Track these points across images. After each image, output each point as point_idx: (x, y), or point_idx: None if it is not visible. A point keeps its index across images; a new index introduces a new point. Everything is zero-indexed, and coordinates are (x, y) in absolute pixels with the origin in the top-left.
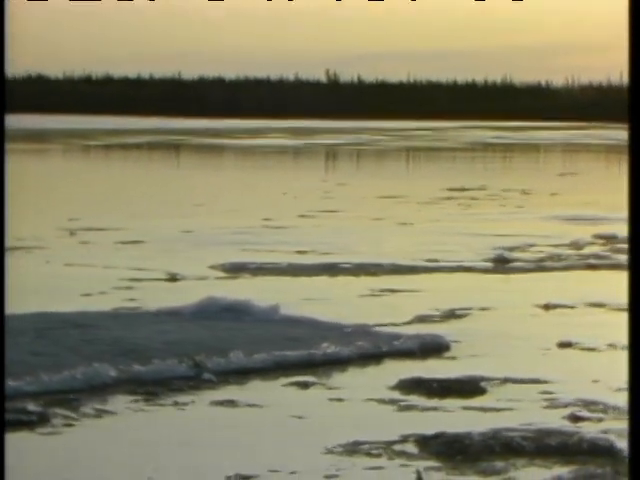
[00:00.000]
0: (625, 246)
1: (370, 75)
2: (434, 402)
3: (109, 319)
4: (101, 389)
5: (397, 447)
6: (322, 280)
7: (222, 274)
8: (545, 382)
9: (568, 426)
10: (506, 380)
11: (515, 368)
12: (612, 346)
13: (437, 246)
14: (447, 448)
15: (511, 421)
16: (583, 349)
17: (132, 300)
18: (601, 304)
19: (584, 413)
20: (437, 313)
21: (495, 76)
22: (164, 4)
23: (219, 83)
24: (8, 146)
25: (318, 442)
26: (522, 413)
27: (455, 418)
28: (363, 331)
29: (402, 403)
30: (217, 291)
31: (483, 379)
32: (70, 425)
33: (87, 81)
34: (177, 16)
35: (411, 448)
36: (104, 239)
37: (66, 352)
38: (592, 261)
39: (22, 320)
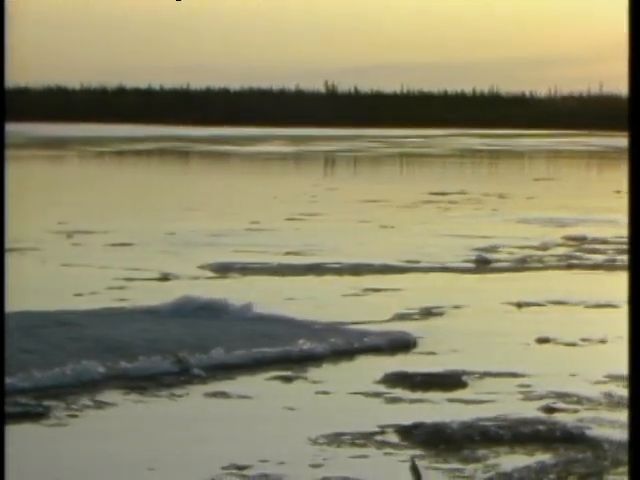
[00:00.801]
0: (593, 246)
1: (366, 86)
2: (418, 395)
3: (91, 317)
4: (92, 385)
5: (381, 437)
6: (308, 280)
7: (211, 274)
8: (523, 376)
9: (544, 417)
10: (485, 374)
11: (495, 363)
12: (586, 340)
13: (415, 247)
14: (430, 437)
15: (491, 412)
16: (561, 344)
17: (122, 300)
18: (570, 302)
19: (560, 404)
20: (416, 311)
21: (483, 87)
22: (173, 20)
23: (224, 93)
24: (26, 152)
25: (313, 431)
26: (501, 405)
27: (437, 410)
28: (333, 329)
29: (387, 396)
30: (206, 290)
31: (464, 373)
32: (74, 416)
33: (102, 92)
34: (185, 31)
35: (395, 438)
36: (100, 241)
37: (53, 349)
38: (561, 261)
39: (8, 319)
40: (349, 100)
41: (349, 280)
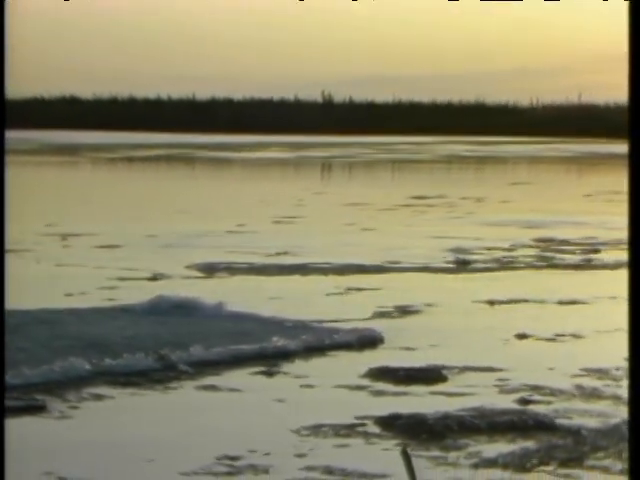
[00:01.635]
0: (560, 247)
1: (360, 96)
2: (400, 388)
3: (70, 315)
4: (82, 381)
5: (364, 428)
6: (291, 279)
7: (198, 274)
8: (500, 370)
9: (522, 408)
10: (465, 368)
11: (475, 357)
12: (560, 336)
13: (393, 249)
14: (411, 427)
15: (471, 403)
16: (536, 339)
17: (111, 300)
18: (539, 299)
19: (535, 396)
20: (395, 309)
21: (469, 97)
22: (181, 34)
23: (228, 103)
24: (41, 158)
25: (305, 420)
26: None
27: (419, 402)
28: (304, 326)
29: (371, 389)
30: (193, 289)
31: (444, 367)
32: (75, 408)
33: (113, 101)
34: (191, 45)
35: (377, 428)
36: (88, 243)
37: (38, 347)
38: (530, 261)
39: None
40: (344, 109)
41: (333, 280)
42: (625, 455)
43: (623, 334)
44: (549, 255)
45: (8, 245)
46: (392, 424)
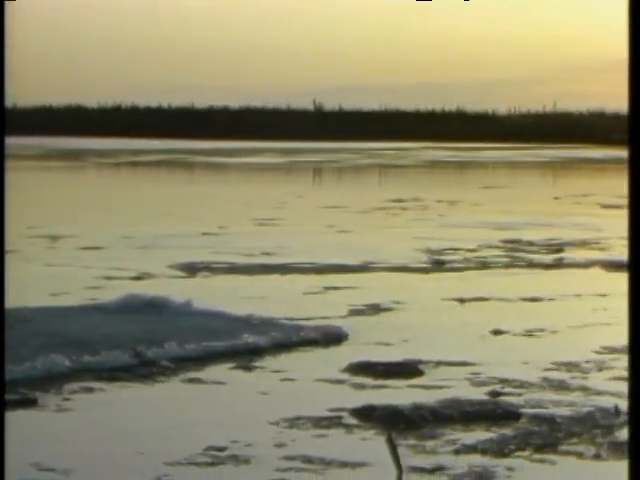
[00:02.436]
0: (526, 248)
1: (349, 104)
2: (379, 382)
3: (44, 313)
4: (65, 377)
5: (343, 420)
6: (266, 279)
7: (180, 273)
8: (475, 364)
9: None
10: (439, 363)
11: (451, 353)
12: (530, 331)
13: (367, 250)
14: (389, 418)
15: (445, 396)
16: (509, 335)
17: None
18: (506, 297)
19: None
20: (368, 307)
21: (451, 105)
22: (181, 48)
23: (225, 111)
24: (47, 163)
25: (291, 411)
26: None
27: (396, 394)
28: (271, 323)
29: (350, 382)
30: (175, 288)
31: (421, 362)
32: (68, 399)
33: (117, 110)
34: (190, 56)
35: (355, 419)
36: (74, 244)
37: (16, 344)
38: (496, 260)
39: None
40: (334, 117)
41: (312, 279)
42: (598, 440)
43: (591, 329)
44: (516, 255)
45: (8, 246)
46: (370, 415)
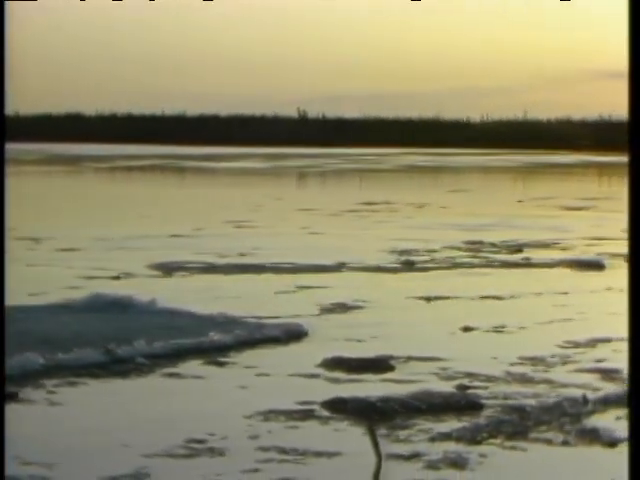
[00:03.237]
0: (488, 248)
1: (332, 112)
2: (353, 376)
3: (11, 312)
4: (39, 374)
5: (320, 411)
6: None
7: (155, 272)
8: (443, 359)
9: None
10: (410, 358)
11: (423, 349)
12: (500, 327)
13: (336, 250)
14: (362, 410)
15: (414, 389)
16: (476, 331)
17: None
18: (468, 296)
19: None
20: (335, 306)
21: (428, 113)
22: (173, 59)
23: (215, 119)
24: (47, 168)
25: (272, 403)
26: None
27: (368, 387)
28: (234, 321)
29: (324, 377)
30: (151, 288)
31: (392, 358)
32: (53, 393)
33: (113, 117)
34: (181, 68)
35: (329, 411)
36: (52, 246)
37: None
38: (458, 261)
39: None
40: (318, 124)
41: (281, 278)
42: (566, 428)
43: (555, 325)
44: (478, 255)
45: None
46: (343, 408)
